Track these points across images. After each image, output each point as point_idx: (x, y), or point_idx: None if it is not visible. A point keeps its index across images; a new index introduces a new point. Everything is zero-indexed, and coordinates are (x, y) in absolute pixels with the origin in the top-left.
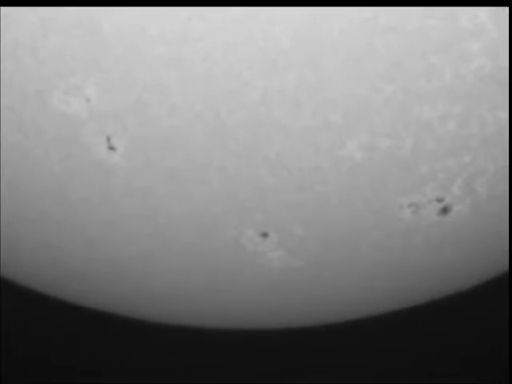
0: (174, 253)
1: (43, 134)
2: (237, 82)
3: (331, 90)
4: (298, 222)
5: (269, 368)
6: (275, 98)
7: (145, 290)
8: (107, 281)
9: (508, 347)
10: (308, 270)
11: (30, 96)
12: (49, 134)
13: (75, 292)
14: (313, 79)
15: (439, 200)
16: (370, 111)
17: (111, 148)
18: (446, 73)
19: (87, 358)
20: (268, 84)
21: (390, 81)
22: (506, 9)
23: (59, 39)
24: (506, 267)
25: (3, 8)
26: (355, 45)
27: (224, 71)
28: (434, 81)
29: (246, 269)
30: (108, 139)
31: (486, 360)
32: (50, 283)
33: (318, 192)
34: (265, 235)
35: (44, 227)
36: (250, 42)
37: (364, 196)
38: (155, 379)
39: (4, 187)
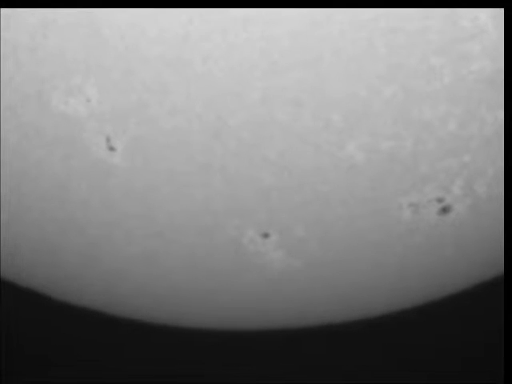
0: (174, 253)
1: (43, 135)
2: (237, 82)
3: (332, 91)
4: (299, 223)
5: (269, 368)
6: (276, 99)
7: (145, 290)
8: (107, 281)
9: (504, 348)
10: (308, 270)
11: (30, 96)
12: (49, 134)
13: (75, 293)
14: (313, 80)
15: (439, 200)
16: (370, 112)
17: (111, 148)
18: (446, 74)
19: (87, 358)
20: (268, 84)
21: (391, 82)
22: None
23: (59, 39)
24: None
25: (3, 8)
26: (356, 46)
27: (224, 72)
28: (434, 82)
29: (247, 269)
30: (108, 139)
31: (483, 360)
32: (50, 284)
33: (318, 192)
34: (266, 235)
35: (44, 228)
36: (250, 43)
37: (364, 196)
38: (155, 380)
39: (4, 187)
